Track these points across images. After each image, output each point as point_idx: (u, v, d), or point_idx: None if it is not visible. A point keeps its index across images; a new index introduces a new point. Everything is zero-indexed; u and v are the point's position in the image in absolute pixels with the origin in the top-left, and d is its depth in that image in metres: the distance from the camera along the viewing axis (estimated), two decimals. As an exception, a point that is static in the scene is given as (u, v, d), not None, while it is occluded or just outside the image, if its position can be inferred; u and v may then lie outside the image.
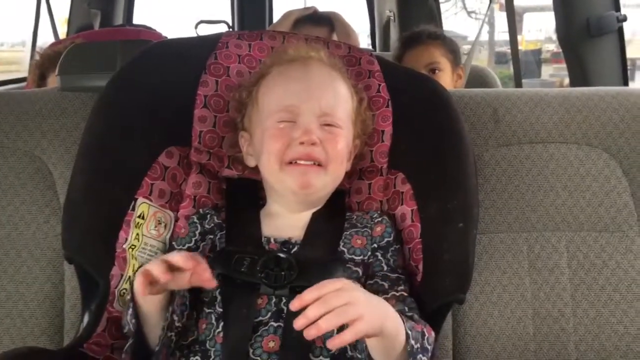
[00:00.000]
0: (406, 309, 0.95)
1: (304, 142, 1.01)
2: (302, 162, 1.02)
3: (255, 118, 1.08)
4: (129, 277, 1.03)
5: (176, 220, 1.09)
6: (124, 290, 1.02)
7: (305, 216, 1.06)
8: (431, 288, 1.01)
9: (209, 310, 0.97)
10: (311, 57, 1.09)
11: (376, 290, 0.98)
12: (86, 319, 1.02)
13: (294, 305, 0.79)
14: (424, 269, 1.03)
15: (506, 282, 1.20)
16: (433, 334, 0.92)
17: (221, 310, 0.96)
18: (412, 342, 0.85)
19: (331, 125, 1.04)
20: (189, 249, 1.03)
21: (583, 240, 1.22)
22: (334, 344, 0.78)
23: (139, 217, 1.05)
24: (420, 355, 0.86)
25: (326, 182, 1.05)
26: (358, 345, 0.94)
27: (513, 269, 1.20)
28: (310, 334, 0.76)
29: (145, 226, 1.05)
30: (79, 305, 1.07)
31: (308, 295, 0.78)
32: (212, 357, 0.94)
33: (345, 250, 1.03)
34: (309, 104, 1.03)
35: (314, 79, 1.06)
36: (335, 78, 1.09)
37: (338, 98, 1.07)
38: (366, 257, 1.02)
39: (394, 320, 0.84)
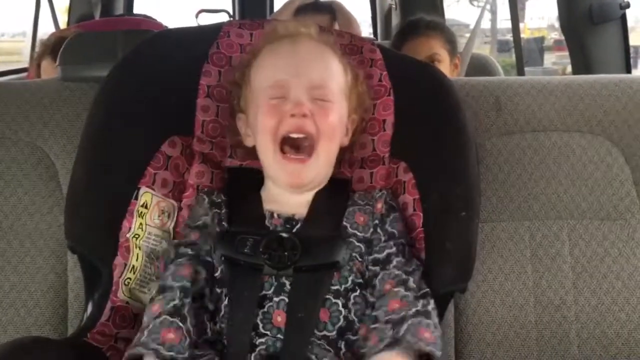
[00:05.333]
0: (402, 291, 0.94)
1: (295, 114, 1.00)
2: (294, 135, 1.01)
3: (249, 98, 1.08)
4: (133, 266, 1.03)
5: (180, 209, 1.10)
6: (128, 280, 1.03)
7: (308, 195, 1.06)
8: (433, 277, 1.00)
9: (220, 290, 0.98)
10: (300, 33, 1.09)
11: (375, 270, 0.98)
12: (90, 308, 1.03)
13: None
14: (426, 258, 1.03)
15: (508, 270, 1.20)
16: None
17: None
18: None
19: (322, 100, 1.03)
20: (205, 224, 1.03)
21: (585, 228, 1.22)
22: None
23: (142, 206, 1.05)
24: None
25: (318, 169, 1.04)
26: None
27: (515, 257, 1.21)
28: None
29: (149, 215, 1.06)
30: (83, 295, 1.07)
31: None
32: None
33: (348, 225, 1.03)
34: (298, 78, 1.03)
35: (303, 54, 1.06)
36: (325, 52, 1.08)
37: (328, 71, 1.06)
38: (368, 234, 1.02)
39: None
